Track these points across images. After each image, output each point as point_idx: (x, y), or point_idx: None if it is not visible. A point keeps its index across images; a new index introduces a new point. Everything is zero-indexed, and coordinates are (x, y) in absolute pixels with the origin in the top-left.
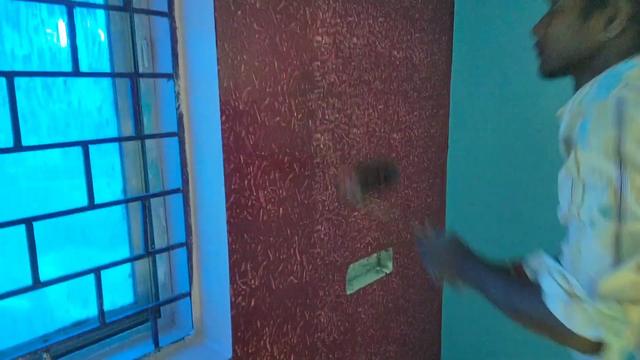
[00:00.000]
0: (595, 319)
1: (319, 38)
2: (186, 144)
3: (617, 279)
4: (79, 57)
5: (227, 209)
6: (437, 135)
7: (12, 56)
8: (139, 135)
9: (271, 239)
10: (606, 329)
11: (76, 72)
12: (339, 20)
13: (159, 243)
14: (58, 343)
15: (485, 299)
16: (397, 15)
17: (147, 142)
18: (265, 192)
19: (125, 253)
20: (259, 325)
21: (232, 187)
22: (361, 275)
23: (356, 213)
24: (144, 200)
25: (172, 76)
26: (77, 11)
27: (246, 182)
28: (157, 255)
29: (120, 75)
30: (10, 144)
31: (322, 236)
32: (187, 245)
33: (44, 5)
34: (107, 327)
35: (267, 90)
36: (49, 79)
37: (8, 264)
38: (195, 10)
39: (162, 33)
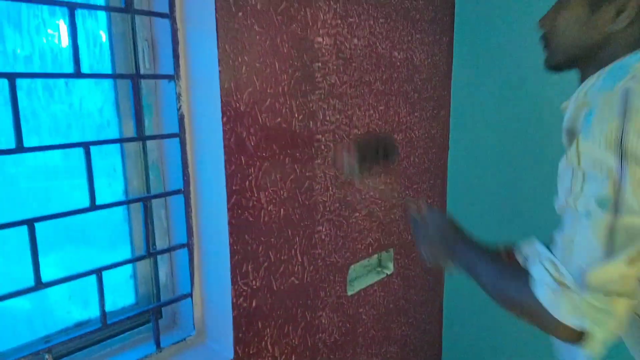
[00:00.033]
0: (581, 308)
1: (320, 39)
2: (187, 145)
3: (607, 271)
4: (81, 58)
5: (228, 209)
6: (438, 136)
7: (13, 57)
8: (140, 137)
9: (272, 239)
10: (591, 319)
11: (77, 74)
12: (339, 22)
13: (160, 244)
14: (60, 344)
15: (475, 282)
16: (398, 16)
17: (149, 143)
18: (267, 193)
19: (126, 254)
20: (260, 326)
21: (233, 188)
22: (362, 276)
23: (357, 214)
24: (145, 201)
25: (174, 77)
26: (79, 12)
27: (247, 183)
28: (159, 256)
29: (122, 76)
30: (12, 145)
31: (323, 237)
32: (189, 246)
33: (45, 6)
34: (108, 328)
35: (268, 91)
36: (50, 80)
37: (9, 264)
38: (196, 12)
39: (163, 34)
